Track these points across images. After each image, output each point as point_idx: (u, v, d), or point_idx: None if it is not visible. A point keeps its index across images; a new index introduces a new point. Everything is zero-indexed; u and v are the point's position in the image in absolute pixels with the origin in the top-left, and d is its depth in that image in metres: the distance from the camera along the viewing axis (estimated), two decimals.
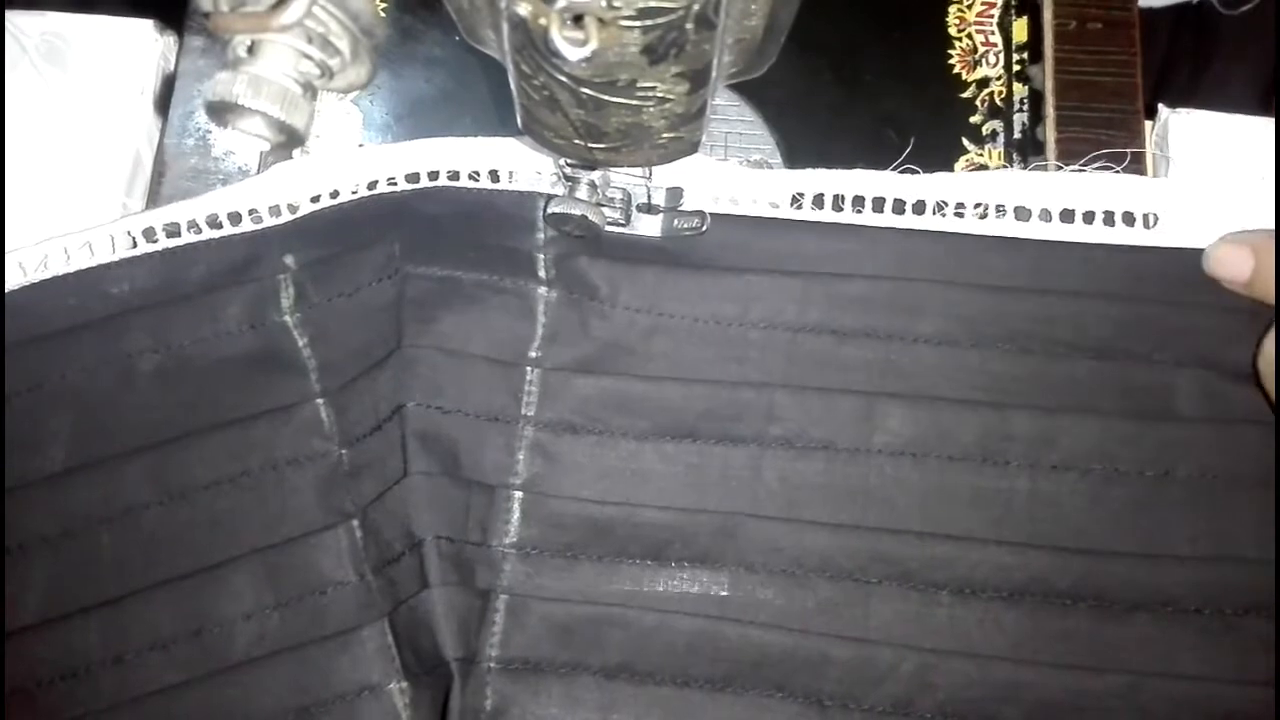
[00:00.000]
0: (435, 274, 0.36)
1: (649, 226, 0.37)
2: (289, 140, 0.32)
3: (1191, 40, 0.59)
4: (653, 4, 0.24)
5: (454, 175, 0.37)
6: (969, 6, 0.43)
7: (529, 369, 0.36)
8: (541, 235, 0.37)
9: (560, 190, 0.37)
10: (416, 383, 0.35)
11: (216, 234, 0.38)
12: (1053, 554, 0.34)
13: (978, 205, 0.36)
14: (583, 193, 0.36)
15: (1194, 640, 0.33)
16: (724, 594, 0.34)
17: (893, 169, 0.37)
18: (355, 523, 0.35)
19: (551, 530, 0.34)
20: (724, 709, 0.33)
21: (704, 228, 0.37)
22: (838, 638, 0.33)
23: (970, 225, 0.36)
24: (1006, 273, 0.36)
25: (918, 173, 0.37)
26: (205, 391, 0.37)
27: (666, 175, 0.37)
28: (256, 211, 0.38)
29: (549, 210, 0.36)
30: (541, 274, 0.37)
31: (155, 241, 0.37)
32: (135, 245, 0.37)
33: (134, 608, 0.35)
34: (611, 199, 0.37)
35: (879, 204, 0.37)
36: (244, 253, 0.38)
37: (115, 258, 0.37)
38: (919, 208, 0.37)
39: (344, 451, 0.36)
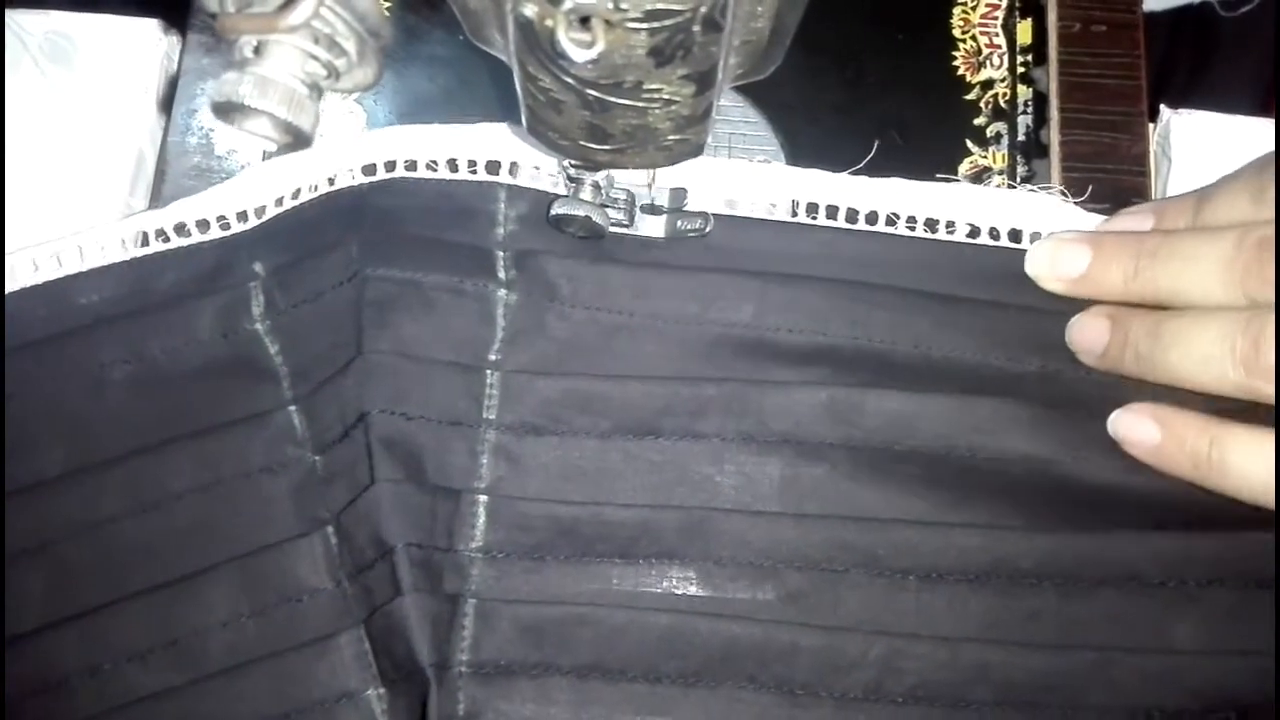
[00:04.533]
0: (394, 276, 0.36)
1: (653, 228, 0.37)
2: (295, 141, 0.32)
3: (1191, 42, 0.59)
4: (660, 6, 0.24)
5: (411, 165, 0.37)
6: (973, 8, 0.43)
7: (489, 372, 0.36)
8: (501, 230, 0.37)
9: (563, 189, 0.37)
10: (378, 389, 0.35)
11: (185, 241, 0.38)
12: (1016, 535, 0.34)
13: (970, 224, 0.37)
14: (587, 194, 0.36)
15: (1160, 613, 0.34)
16: (693, 589, 0.34)
17: (895, 172, 0.37)
18: (330, 529, 0.35)
19: (518, 532, 0.34)
20: (697, 703, 0.33)
21: (707, 229, 0.37)
22: (807, 627, 0.34)
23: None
24: (963, 282, 0.37)
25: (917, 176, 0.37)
26: (178, 401, 0.37)
27: (671, 176, 0.37)
28: (224, 218, 0.38)
29: (552, 211, 0.36)
30: (501, 274, 0.37)
31: (125, 250, 0.37)
32: (104, 255, 0.37)
33: (110, 619, 0.34)
34: (615, 200, 0.37)
35: (872, 217, 0.37)
36: (213, 260, 0.38)
37: (84, 268, 0.37)
38: (910, 222, 0.37)
39: (317, 458, 0.36)
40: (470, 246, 0.37)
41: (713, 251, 0.37)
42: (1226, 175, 0.36)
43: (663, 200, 0.37)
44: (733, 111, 0.41)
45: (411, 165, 0.37)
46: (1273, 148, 0.37)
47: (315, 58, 0.31)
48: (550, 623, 0.33)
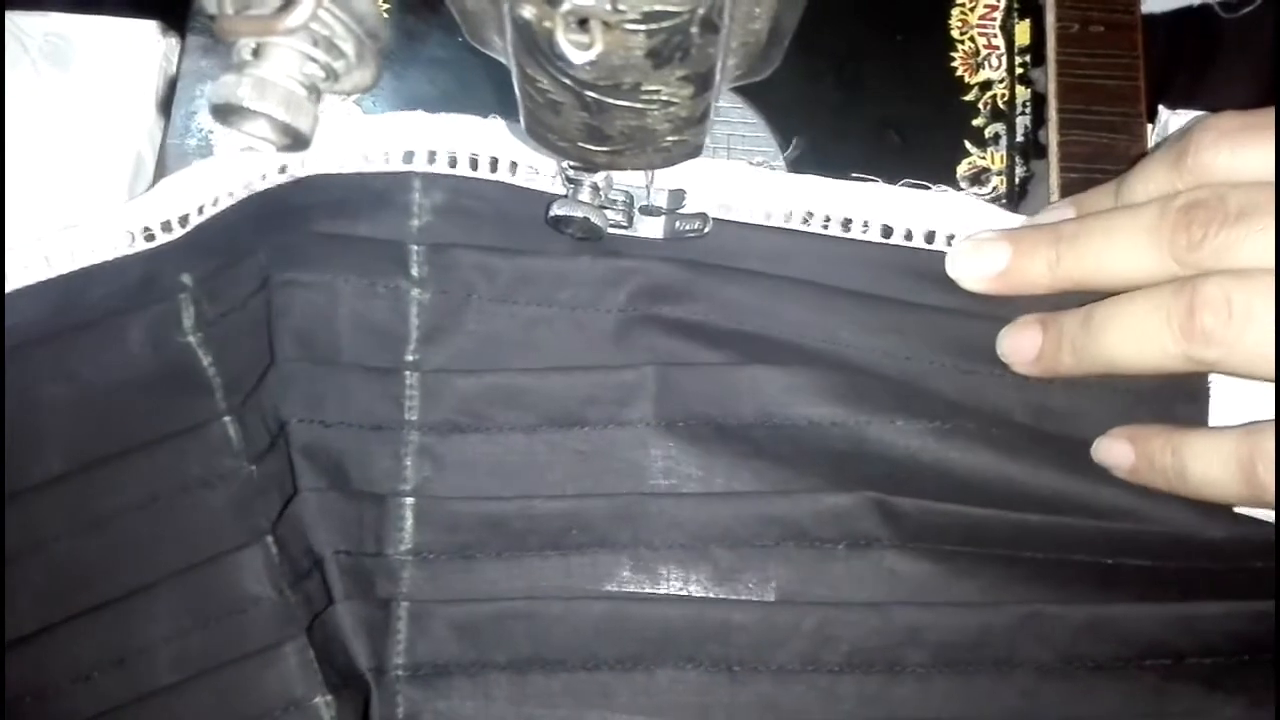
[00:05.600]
0: (303, 279, 0.36)
1: (651, 229, 0.37)
2: (294, 143, 0.32)
3: (1191, 44, 0.59)
4: (657, 7, 0.24)
5: (325, 161, 0.37)
6: (971, 9, 0.43)
7: (408, 373, 0.36)
8: (416, 221, 0.37)
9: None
10: (294, 398, 0.35)
11: (110, 255, 0.37)
12: (942, 504, 0.34)
13: (885, 225, 0.37)
14: (585, 195, 0.36)
15: (1087, 572, 0.34)
16: (626, 575, 0.34)
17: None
18: (270, 539, 0.35)
19: (446, 533, 0.34)
20: (637, 687, 0.33)
21: (706, 230, 0.37)
22: (740, 603, 0.34)
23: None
24: (880, 281, 0.37)
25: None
26: (113, 418, 0.36)
27: (670, 177, 0.37)
28: (149, 229, 0.37)
29: (551, 213, 0.36)
30: (414, 272, 0.37)
31: (50, 267, 0.37)
32: (29, 273, 0.37)
33: (53, 641, 0.34)
34: (614, 201, 0.37)
35: (787, 215, 0.37)
36: (140, 273, 0.37)
37: (9, 288, 0.37)
38: (826, 221, 0.37)
39: (253, 468, 0.36)
40: (382, 242, 0.37)
41: (628, 240, 0.37)
42: (1144, 156, 0.36)
43: (661, 201, 0.37)
44: (731, 112, 0.41)
45: (325, 161, 0.37)
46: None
47: (314, 60, 0.31)
48: (485, 620, 0.33)
